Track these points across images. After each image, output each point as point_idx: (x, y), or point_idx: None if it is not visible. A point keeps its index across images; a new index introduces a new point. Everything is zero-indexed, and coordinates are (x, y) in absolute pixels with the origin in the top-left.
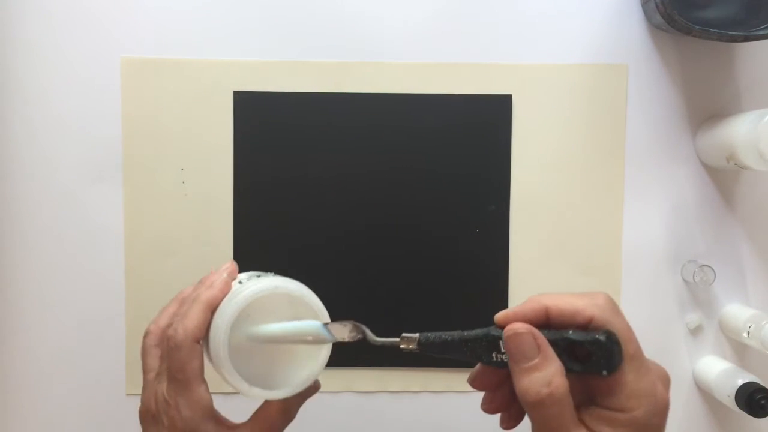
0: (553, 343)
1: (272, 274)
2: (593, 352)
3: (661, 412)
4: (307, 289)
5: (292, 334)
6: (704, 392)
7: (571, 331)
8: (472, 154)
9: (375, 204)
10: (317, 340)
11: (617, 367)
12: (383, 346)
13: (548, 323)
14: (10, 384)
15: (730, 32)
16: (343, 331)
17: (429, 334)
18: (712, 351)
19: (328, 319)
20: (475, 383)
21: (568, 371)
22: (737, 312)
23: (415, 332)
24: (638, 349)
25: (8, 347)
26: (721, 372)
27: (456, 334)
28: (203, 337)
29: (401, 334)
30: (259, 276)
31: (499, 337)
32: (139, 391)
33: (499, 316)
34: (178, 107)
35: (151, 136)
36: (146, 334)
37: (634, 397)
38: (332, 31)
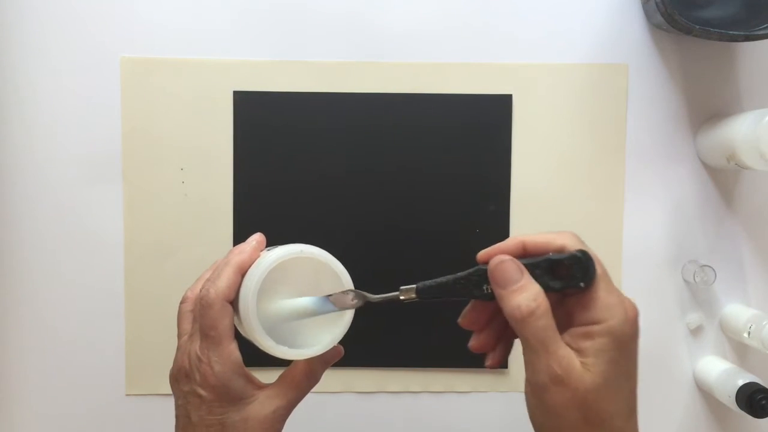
0: (536, 266)
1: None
2: (572, 266)
3: (632, 320)
4: (331, 255)
5: (301, 311)
6: (705, 392)
7: (551, 254)
8: (472, 154)
9: (375, 204)
10: (323, 311)
11: (593, 279)
12: (382, 303)
13: (526, 255)
14: (10, 384)
15: (731, 32)
16: (345, 300)
17: (426, 282)
18: (712, 351)
19: (350, 283)
20: (464, 321)
21: (550, 290)
22: (738, 312)
23: (413, 294)
24: (605, 270)
25: (8, 347)
26: (722, 372)
27: (449, 276)
28: (233, 298)
29: (399, 287)
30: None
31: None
32: (139, 392)
33: (482, 253)
34: (178, 107)
35: (151, 136)
36: (183, 301)
37: (607, 308)
38: (332, 30)
